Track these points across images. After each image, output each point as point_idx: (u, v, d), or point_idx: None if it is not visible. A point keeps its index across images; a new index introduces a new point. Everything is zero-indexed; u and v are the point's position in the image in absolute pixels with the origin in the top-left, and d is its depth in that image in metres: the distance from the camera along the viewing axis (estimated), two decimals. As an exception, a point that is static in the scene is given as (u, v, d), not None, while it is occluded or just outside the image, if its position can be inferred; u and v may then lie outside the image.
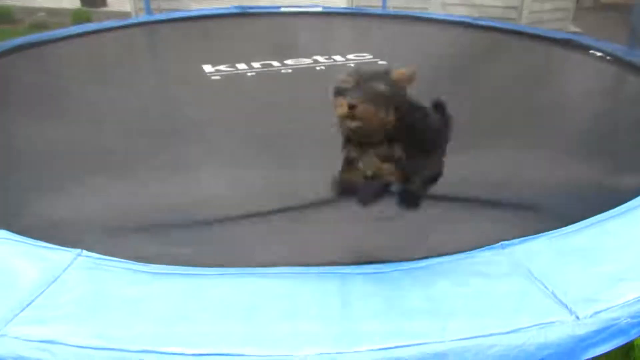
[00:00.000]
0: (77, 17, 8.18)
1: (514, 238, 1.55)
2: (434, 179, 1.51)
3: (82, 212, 1.71)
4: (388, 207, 1.53)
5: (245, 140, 2.43)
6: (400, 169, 1.33)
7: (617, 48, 3.79)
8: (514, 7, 6.80)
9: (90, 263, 1.47)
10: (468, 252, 1.50)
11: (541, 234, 1.56)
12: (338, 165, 1.41)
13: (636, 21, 3.99)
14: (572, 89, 3.23)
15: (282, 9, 5.88)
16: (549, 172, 2.03)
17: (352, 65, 3.81)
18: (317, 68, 3.73)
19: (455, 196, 1.85)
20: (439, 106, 1.54)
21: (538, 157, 2.17)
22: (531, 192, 1.90)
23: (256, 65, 3.73)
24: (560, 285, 1.36)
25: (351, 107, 1.24)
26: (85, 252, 1.50)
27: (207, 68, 3.62)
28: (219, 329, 1.26)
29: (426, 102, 1.51)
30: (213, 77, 3.46)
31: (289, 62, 3.82)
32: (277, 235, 1.68)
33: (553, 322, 1.24)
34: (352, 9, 6.38)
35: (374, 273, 1.45)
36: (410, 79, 1.30)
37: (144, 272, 1.45)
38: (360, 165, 1.33)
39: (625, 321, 1.27)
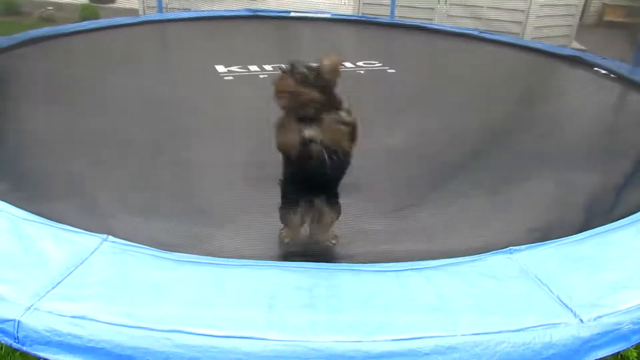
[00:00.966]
0: (85, 12, 8.23)
1: (522, 244, 1.61)
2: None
3: (108, 199, 1.76)
4: (403, 205, 1.60)
5: (261, 139, 2.49)
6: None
7: (622, 66, 3.89)
8: (519, 22, 6.92)
9: (116, 248, 1.53)
10: (478, 255, 1.57)
11: (548, 242, 1.63)
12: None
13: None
14: (578, 104, 3.32)
15: (292, 14, 5.98)
16: (556, 184, 2.11)
17: (362, 72, 3.88)
18: (328, 73, 3.79)
19: (467, 201, 1.93)
20: None
21: (546, 169, 2.26)
22: (539, 202, 1.98)
23: (268, 67, 3.80)
24: (565, 290, 1.43)
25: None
26: (110, 237, 1.56)
27: (220, 68, 3.69)
28: (242, 314, 1.32)
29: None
30: (226, 78, 3.53)
31: (300, 66, 3.88)
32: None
33: (558, 324, 1.31)
34: (360, 16, 6.48)
35: (389, 271, 1.51)
36: (334, 70, 1.54)
37: (167, 258, 1.51)
38: (309, 132, 1.46)
39: (627, 327, 1.34)
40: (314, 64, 1.58)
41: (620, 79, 3.69)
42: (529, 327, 1.30)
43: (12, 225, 1.58)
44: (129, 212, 1.72)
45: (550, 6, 6.86)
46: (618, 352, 1.36)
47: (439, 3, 7.15)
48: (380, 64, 4.07)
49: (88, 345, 1.23)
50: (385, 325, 1.28)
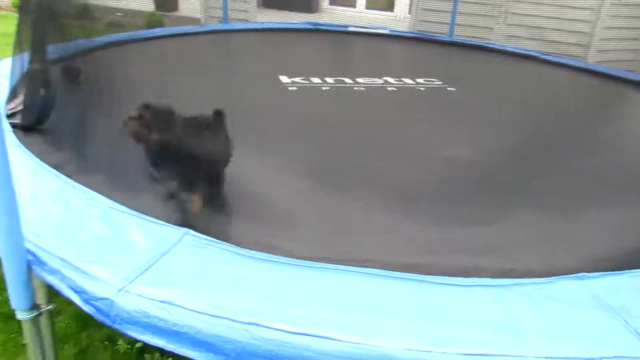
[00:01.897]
0: (151, 19, 8.62)
1: (592, 271, 1.60)
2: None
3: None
4: (471, 221, 1.62)
5: (327, 148, 2.60)
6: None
7: None
8: (582, 45, 6.76)
9: (196, 242, 1.62)
10: (548, 278, 1.57)
11: (622, 271, 1.61)
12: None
13: None
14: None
15: (350, 28, 6.09)
16: (629, 212, 2.09)
17: (422, 89, 3.92)
18: (389, 89, 3.86)
19: (537, 222, 1.94)
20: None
21: (617, 195, 2.23)
22: (611, 228, 1.96)
23: (330, 80, 3.90)
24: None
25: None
26: (191, 231, 1.66)
27: (284, 79, 3.81)
28: (314, 313, 1.37)
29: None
30: (290, 88, 3.64)
31: (360, 80, 3.97)
32: (367, 238, 1.79)
33: (637, 358, 1.29)
34: (418, 33, 6.51)
35: (457, 285, 1.53)
36: None
37: (243, 255, 1.59)
38: None
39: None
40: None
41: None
42: (604, 357, 1.29)
43: (103, 213, 1.71)
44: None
45: (616, 29, 6.67)
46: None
47: (497, 23, 7.11)
48: (441, 82, 4.10)
49: (173, 329, 1.32)
50: (455, 338, 1.31)
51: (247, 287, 1.45)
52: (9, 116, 2.40)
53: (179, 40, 4.77)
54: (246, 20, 7.95)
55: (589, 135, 3.09)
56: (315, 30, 5.86)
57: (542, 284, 1.55)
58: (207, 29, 5.55)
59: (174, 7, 9.59)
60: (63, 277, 1.41)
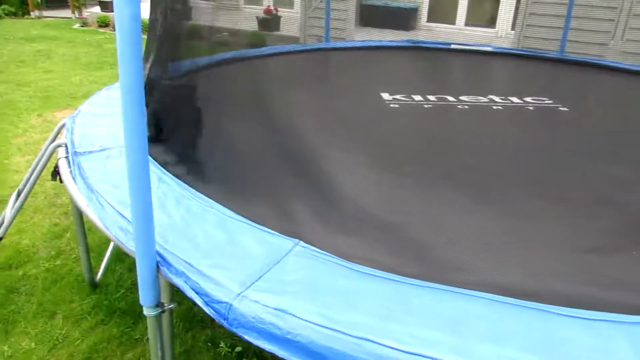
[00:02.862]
0: (254, 38, 9.09)
1: None
2: None
3: (301, 208, 1.93)
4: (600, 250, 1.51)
5: (432, 166, 2.57)
6: None
7: None
8: None
9: (307, 253, 1.66)
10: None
11: None
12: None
13: None
14: None
15: (453, 46, 5.98)
16: None
17: (530, 108, 3.74)
18: (494, 107, 3.72)
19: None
20: None
21: None
22: None
23: (432, 98, 3.84)
24: None
25: None
26: (302, 242, 1.70)
27: (385, 96, 3.82)
28: (427, 334, 1.34)
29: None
30: (392, 105, 3.64)
31: (464, 98, 3.87)
32: (482, 260, 1.73)
33: None
34: (525, 50, 6.24)
35: (581, 318, 1.42)
36: None
37: (353, 269, 1.60)
38: None
39: None
40: None
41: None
42: None
43: (220, 221, 1.81)
44: (318, 221, 1.85)
45: None
46: None
47: (612, 38, 6.63)
48: (551, 101, 3.88)
49: (286, 337, 1.36)
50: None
51: (358, 302, 1.45)
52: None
53: (282, 59, 4.97)
54: (344, 39, 8.13)
55: None
56: (415, 48, 5.82)
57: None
58: (308, 48, 5.73)
59: (276, 27, 10.04)
60: (187, 279, 1.51)
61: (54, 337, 2.38)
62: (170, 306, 1.63)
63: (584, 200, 2.24)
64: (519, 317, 1.42)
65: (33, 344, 2.34)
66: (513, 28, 8.29)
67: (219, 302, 1.44)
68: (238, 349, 2.35)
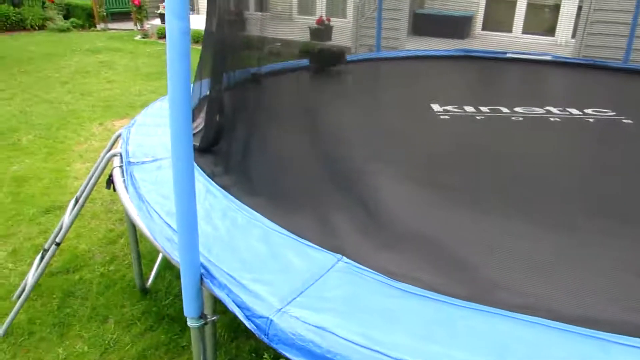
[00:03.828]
0: (307, 49, 9.18)
1: None
2: None
3: (345, 222, 1.92)
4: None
5: (481, 179, 2.49)
6: None
7: None
8: None
9: (349, 269, 1.64)
10: None
11: None
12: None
13: None
14: None
15: (508, 55, 5.81)
16: None
17: (590, 120, 3.56)
18: (551, 119, 3.57)
19: None
20: None
21: None
22: None
23: (484, 109, 3.73)
24: None
25: None
26: (344, 258, 1.68)
27: (436, 107, 3.75)
28: (469, 358, 1.29)
29: None
30: (442, 117, 3.57)
31: (518, 109, 3.74)
32: (532, 281, 1.65)
33: None
34: (586, 59, 5.97)
35: (632, 346, 1.33)
36: None
37: (396, 287, 1.56)
38: None
39: None
40: None
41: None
42: None
43: (264, 234, 1.82)
44: (362, 237, 1.83)
45: None
46: None
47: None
48: (614, 113, 3.67)
49: (326, 355, 1.34)
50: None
51: (399, 322, 1.42)
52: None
53: (332, 69, 4.99)
54: (396, 48, 8.07)
55: None
56: (468, 57, 5.70)
57: None
58: (359, 57, 5.74)
59: (328, 37, 10.11)
60: (230, 292, 1.52)
61: (106, 342, 2.47)
62: (213, 318, 1.65)
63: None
64: (570, 343, 1.34)
65: (86, 347, 2.43)
66: (574, 36, 7.96)
67: (260, 316, 1.44)
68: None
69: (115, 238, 3.35)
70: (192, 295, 1.58)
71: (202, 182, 2.19)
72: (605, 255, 1.81)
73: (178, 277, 2.88)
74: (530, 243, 1.90)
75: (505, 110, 3.71)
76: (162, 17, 12.02)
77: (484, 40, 9.39)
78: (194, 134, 2.77)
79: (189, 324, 1.64)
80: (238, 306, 1.50)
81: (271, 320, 1.42)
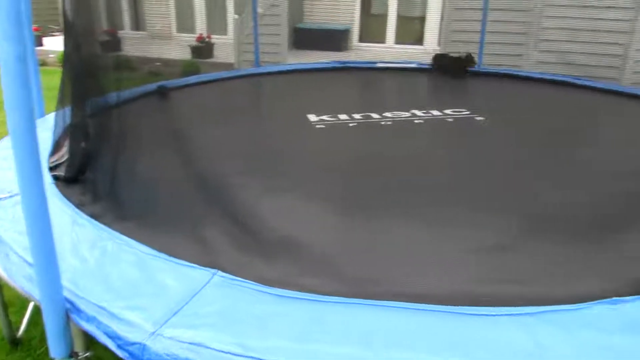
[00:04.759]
0: (188, 67, 9.04)
1: (626, 295, 1.55)
2: None
3: (218, 237, 1.94)
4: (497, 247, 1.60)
5: (349, 183, 2.65)
6: None
7: None
8: (616, 67, 6.64)
9: (224, 282, 1.67)
10: (579, 304, 1.52)
11: (658, 294, 1.55)
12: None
13: None
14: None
15: (379, 64, 6.21)
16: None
17: (450, 120, 3.93)
18: (416, 121, 3.89)
19: (567, 247, 1.91)
20: None
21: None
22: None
23: (357, 116, 3.96)
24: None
25: None
26: (220, 272, 1.71)
27: (312, 117, 3.91)
28: (342, 351, 1.38)
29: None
30: (317, 126, 3.73)
31: (387, 114, 4.02)
32: (391, 272, 1.80)
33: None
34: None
35: (484, 315, 1.51)
36: None
37: (270, 294, 1.62)
38: None
39: None
40: None
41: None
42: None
43: (138, 259, 1.78)
44: (236, 249, 1.86)
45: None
46: None
47: (528, 49, 7.07)
48: (469, 112, 4.09)
49: (203, 370, 1.35)
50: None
51: (276, 327, 1.47)
52: (51, 169, 2.56)
53: (209, 86, 5.01)
54: (279, 63, 8.24)
55: (624, 159, 3.01)
56: (343, 69, 5.99)
57: (573, 310, 1.50)
58: (239, 74, 5.78)
59: (209, 54, 10.04)
60: (99, 324, 1.48)
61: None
62: (86, 354, 1.59)
63: (493, 207, 2.37)
64: (429, 322, 1.49)
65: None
66: (439, 44, 8.69)
67: (133, 343, 1.41)
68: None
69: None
70: (58, 333, 1.51)
71: (68, 214, 2.09)
72: (457, 239, 2.02)
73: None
74: (392, 235, 2.07)
75: (375, 116, 3.97)
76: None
77: (361, 52, 9.92)
78: (60, 164, 2.63)
79: (58, 364, 1.56)
80: (109, 336, 1.46)
81: (144, 345, 1.40)
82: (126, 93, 4.00)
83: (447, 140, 3.59)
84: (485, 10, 6.14)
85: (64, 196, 2.23)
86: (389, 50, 10.07)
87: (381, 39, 10.40)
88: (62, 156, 2.62)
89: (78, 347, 1.57)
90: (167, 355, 1.38)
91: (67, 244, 1.86)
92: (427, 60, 6.07)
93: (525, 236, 2.00)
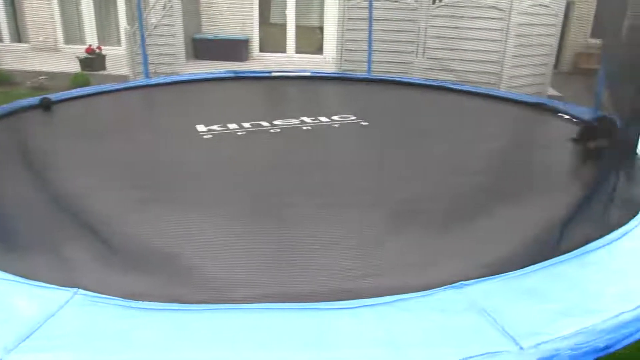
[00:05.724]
0: (77, 80, 8.55)
1: (472, 279, 1.71)
2: None
3: (80, 255, 1.87)
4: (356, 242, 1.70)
5: (232, 191, 2.68)
6: None
7: (584, 111, 4.11)
8: (495, 73, 7.26)
9: (85, 300, 1.61)
10: (430, 291, 1.66)
11: (497, 276, 1.73)
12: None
13: (599, 86, 4.32)
14: (538, 147, 3.54)
15: (273, 73, 6.29)
16: (507, 221, 2.26)
17: (336, 125, 4.08)
18: (304, 128, 3.99)
19: (421, 238, 2.07)
20: None
21: (498, 206, 2.40)
22: (491, 237, 2.11)
23: (246, 125, 3.99)
24: (509, 320, 1.52)
25: None
26: (80, 290, 1.64)
27: (200, 127, 3.88)
28: (206, 356, 1.40)
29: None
30: (205, 136, 3.71)
31: (277, 122, 4.09)
32: (257, 275, 1.84)
33: (500, 352, 1.40)
34: (339, 73, 6.80)
35: (345, 309, 1.60)
36: None
37: (133, 307, 1.59)
38: None
39: (566, 352, 1.42)
40: None
41: (581, 122, 3.92)
42: (472, 357, 1.38)
43: (-12, 284, 1.67)
44: (100, 265, 1.81)
45: (523, 57, 7.23)
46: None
47: (416, 57, 7.52)
48: (355, 117, 4.27)
49: (54, 394, 1.30)
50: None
51: (136, 340, 1.45)
52: None
53: (98, 98, 4.81)
54: (175, 73, 8.05)
55: (479, 153, 3.32)
56: (237, 78, 6.00)
57: (423, 297, 1.63)
58: (128, 85, 5.57)
59: (101, 66, 9.58)
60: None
61: None
62: None
63: (361, 203, 2.51)
64: (291, 319, 1.54)
65: None
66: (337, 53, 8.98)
67: (-25, 373, 1.33)
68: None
69: None
70: None
71: None
72: (328, 237, 2.12)
73: None
74: (258, 241, 2.12)
75: (265, 124, 4.02)
76: None
77: (262, 61, 9.99)
78: None
79: None
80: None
81: (-11, 374, 1.32)
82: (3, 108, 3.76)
83: (330, 144, 3.73)
84: (370, 19, 6.46)
85: None
86: (290, 60, 10.24)
87: (282, 49, 10.54)
88: None
89: None
90: (15, 382, 1.31)
91: None
92: (327, 68, 6.27)
93: (385, 231, 2.14)
